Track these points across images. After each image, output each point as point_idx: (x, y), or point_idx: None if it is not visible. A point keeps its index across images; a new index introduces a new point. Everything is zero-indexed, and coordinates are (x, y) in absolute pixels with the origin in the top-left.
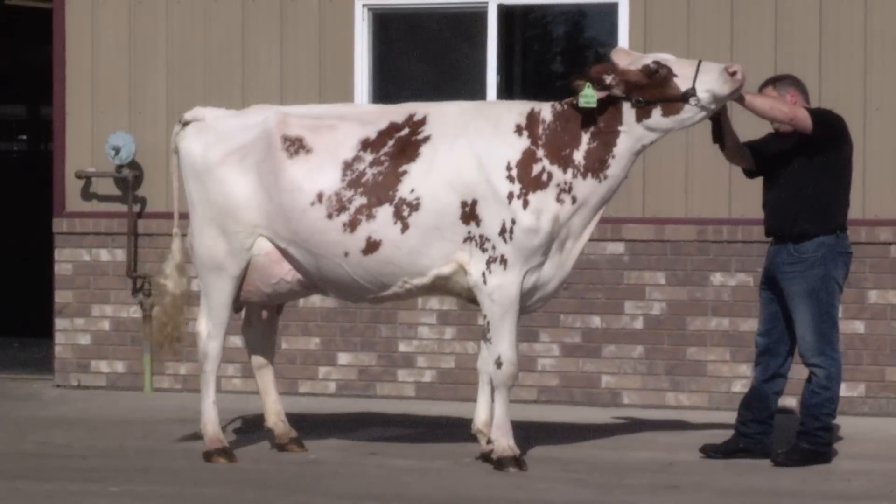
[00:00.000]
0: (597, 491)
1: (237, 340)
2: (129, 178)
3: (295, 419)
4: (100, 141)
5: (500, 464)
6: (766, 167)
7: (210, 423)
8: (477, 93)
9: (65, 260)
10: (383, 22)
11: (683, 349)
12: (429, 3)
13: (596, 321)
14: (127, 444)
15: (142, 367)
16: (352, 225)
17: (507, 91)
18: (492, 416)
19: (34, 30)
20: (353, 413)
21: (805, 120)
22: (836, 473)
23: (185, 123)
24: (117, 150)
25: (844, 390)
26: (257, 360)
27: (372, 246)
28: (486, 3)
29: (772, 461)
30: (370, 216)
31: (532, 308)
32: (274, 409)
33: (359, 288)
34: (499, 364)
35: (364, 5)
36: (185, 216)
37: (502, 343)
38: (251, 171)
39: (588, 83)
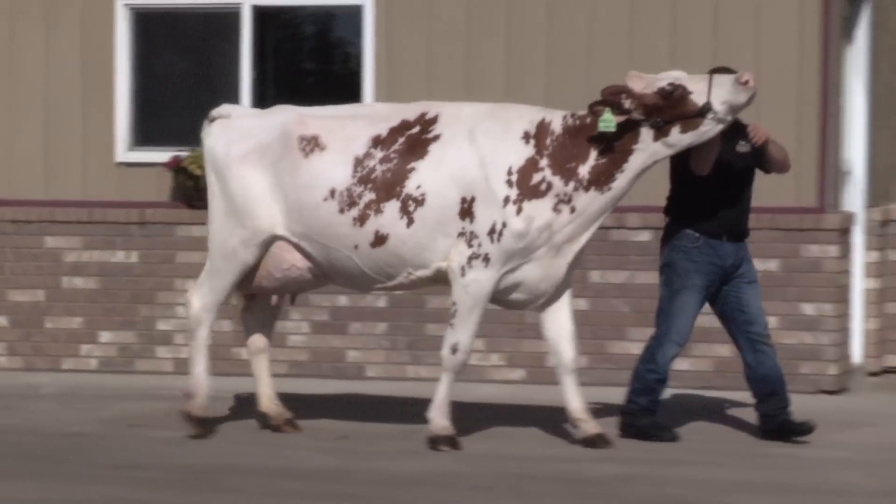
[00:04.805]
0: (343, 457)
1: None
2: None
3: (57, 396)
4: None
5: (434, 442)
6: (731, 177)
7: (201, 387)
8: (232, 91)
9: None
10: (145, 21)
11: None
12: (185, 2)
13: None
14: None
15: None
16: (361, 219)
17: (261, 87)
18: (583, 402)
19: None
20: (113, 388)
21: None
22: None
23: (212, 120)
24: None
25: None
26: (254, 344)
27: (380, 240)
28: (240, 3)
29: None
30: (378, 211)
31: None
32: (266, 394)
33: (367, 279)
34: (454, 350)
35: (124, 4)
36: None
37: (464, 332)
38: (269, 169)
39: (607, 108)
